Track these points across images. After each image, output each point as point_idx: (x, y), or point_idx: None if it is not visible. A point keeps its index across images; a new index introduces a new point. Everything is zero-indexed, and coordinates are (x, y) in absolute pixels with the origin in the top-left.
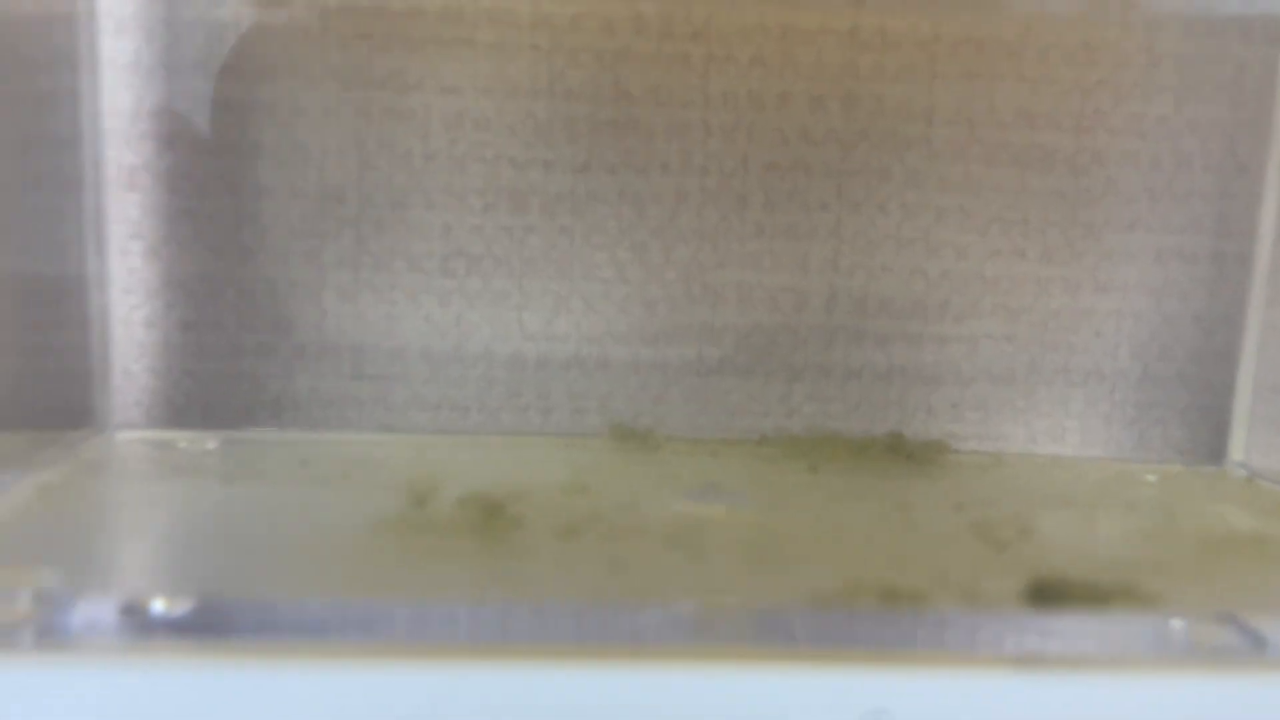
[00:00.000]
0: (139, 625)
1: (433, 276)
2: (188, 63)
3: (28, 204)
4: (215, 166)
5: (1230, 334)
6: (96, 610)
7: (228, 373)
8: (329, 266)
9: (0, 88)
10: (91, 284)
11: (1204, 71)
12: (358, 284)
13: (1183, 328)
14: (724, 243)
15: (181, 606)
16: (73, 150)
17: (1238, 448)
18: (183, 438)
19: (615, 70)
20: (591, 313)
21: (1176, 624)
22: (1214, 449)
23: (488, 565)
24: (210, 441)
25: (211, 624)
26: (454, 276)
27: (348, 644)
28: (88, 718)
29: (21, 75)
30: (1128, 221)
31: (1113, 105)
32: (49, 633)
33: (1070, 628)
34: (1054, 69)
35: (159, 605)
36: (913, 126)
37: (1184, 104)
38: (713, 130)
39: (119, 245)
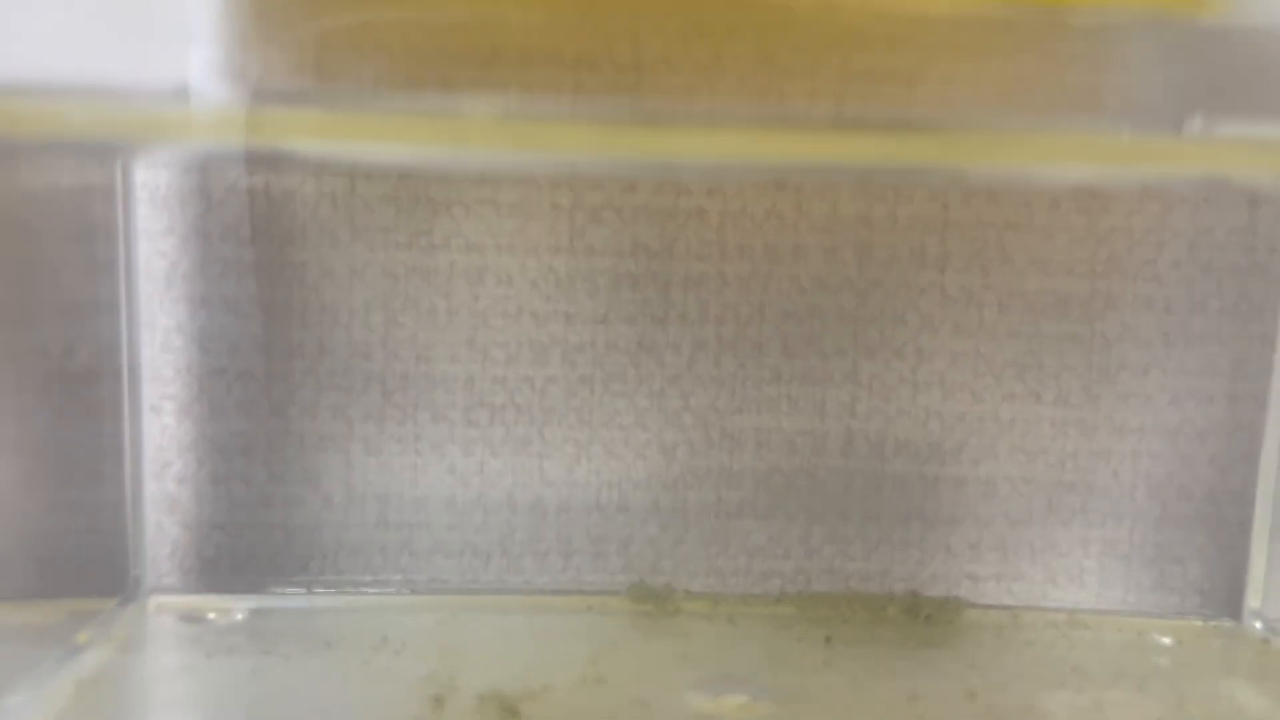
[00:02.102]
0: None
1: (456, 427)
2: (219, 229)
3: (67, 367)
4: (246, 327)
5: (1247, 474)
6: None
7: (257, 524)
8: (356, 420)
9: (44, 255)
10: (126, 442)
11: (1216, 216)
12: (383, 436)
13: (1200, 468)
14: (741, 389)
15: None
16: (110, 314)
17: (1255, 593)
18: (213, 606)
19: (634, 226)
20: (612, 459)
21: None
22: (1232, 589)
23: None
24: (238, 612)
25: None
26: (477, 426)
27: None
28: None
29: (63, 244)
30: (1143, 364)
31: (1126, 251)
32: None
33: None
34: (1066, 216)
35: None
36: (927, 274)
37: (1197, 248)
38: (729, 281)
39: (152, 404)
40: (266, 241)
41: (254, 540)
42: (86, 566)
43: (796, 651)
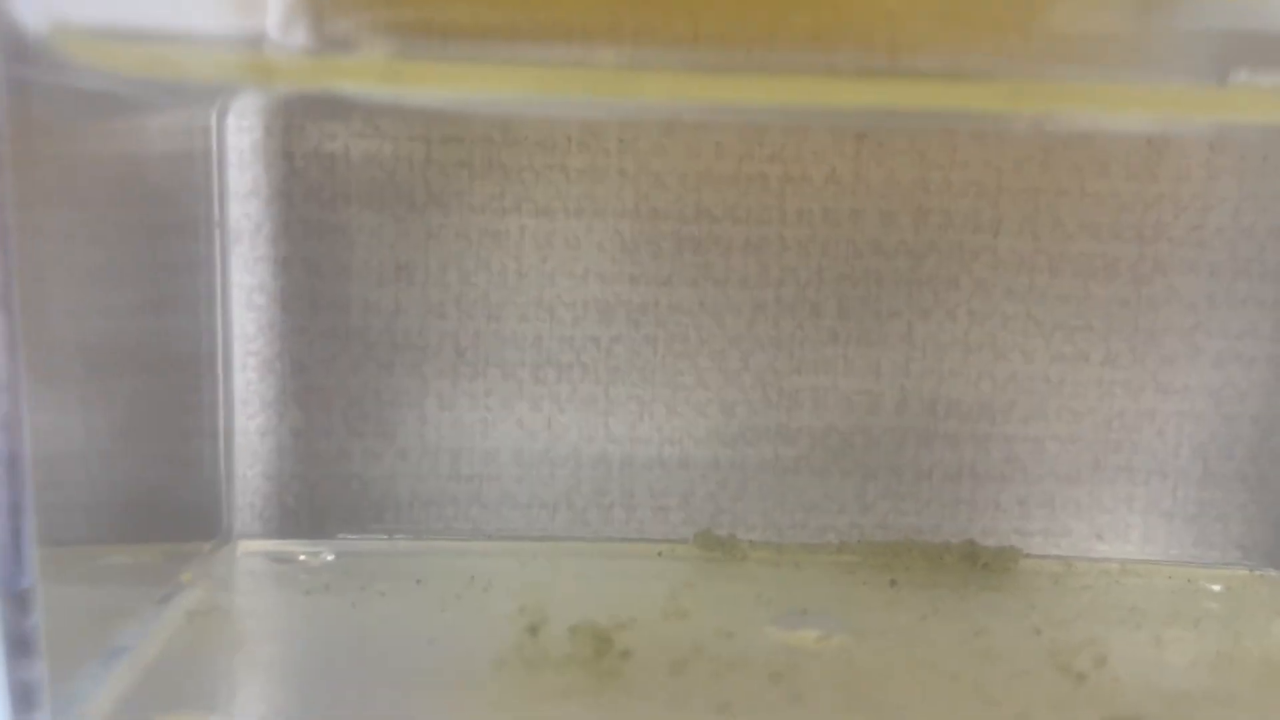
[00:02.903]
0: None
1: (525, 384)
2: (301, 191)
3: (162, 324)
4: (325, 287)
5: None
6: None
7: (335, 476)
8: (430, 376)
9: (140, 217)
10: (218, 396)
11: (1260, 183)
12: (456, 391)
13: (1241, 428)
14: (799, 350)
15: None
16: (208, 273)
17: None
18: (300, 549)
19: (697, 190)
20: (674, 416)
21: None
22: (1274, 545)
23: (608, 706)
24: (327, 553)
25: None
26: (545, 383)
27: None
28: None
29: (158, 205)
30: (1188, 327)
31: (1173, 217)
32: None
33: None
34: (1116, 183)
35: None
36: (980, 238)
37: (1241, 214)
38: (788, 245)
39: (238, 361)
40: (346, 204)
41: (332, 491)
42: (182, 514)
43: (863, 593)
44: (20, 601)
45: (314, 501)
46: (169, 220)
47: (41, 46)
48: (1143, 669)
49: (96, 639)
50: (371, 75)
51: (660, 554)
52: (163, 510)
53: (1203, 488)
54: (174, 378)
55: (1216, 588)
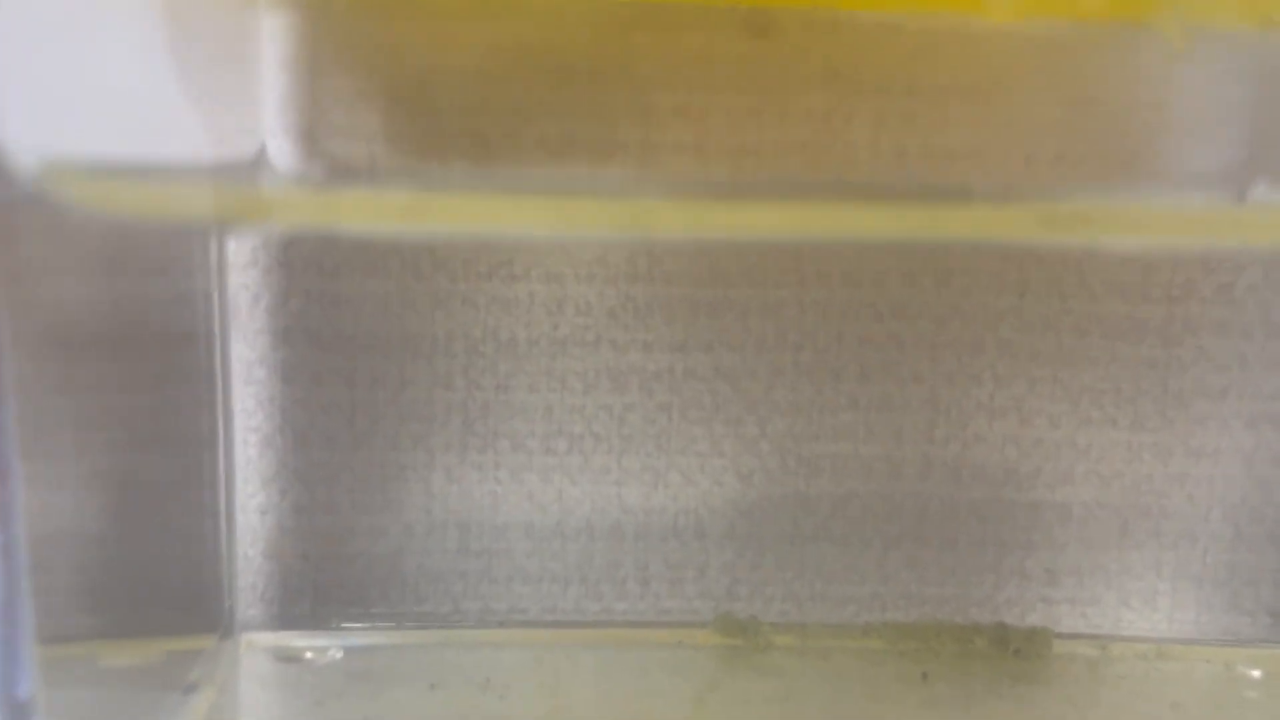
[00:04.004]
0: None
1: (535, 455)
2: (301, 261)
3: (156, 401)
4: (328, 359)
5: None
6: None
7: (340, 554)
8: (437, 449)
9: (136, 284)
10: (219, 474)
11: None
12: (464, 465)
13: (1273, 490)
14: (819, 416)
15: None
16: (207, 346)
17: None
18: (306, 643)
19: (711, 253)
20: (689, 486)
21: None
22: None
23: None
24: (334, 650)
25: None
26: (555, 454)
27: None
28: None
29: (154, 278)
30: (1219, 389)
31: (1203, 276)
32: None
33: None
34: (1146, 242)
35: None
36: (1005, 300)
37: (1273, 272)
38: (807, 308)
39: (238, 437)
40: (349, 273)
41: (337, 569)
42: (184, 602)
43: (895, 691)
44: (20, 714)
45: (318, 581)
46: (166, 293)
47: (32, 186)
48: None
49: None
50: (368, 213)
51: (680, 643)
52: (164, 598)
53: (1234, 551)
54: (174, 457)
55: (1256, 674)
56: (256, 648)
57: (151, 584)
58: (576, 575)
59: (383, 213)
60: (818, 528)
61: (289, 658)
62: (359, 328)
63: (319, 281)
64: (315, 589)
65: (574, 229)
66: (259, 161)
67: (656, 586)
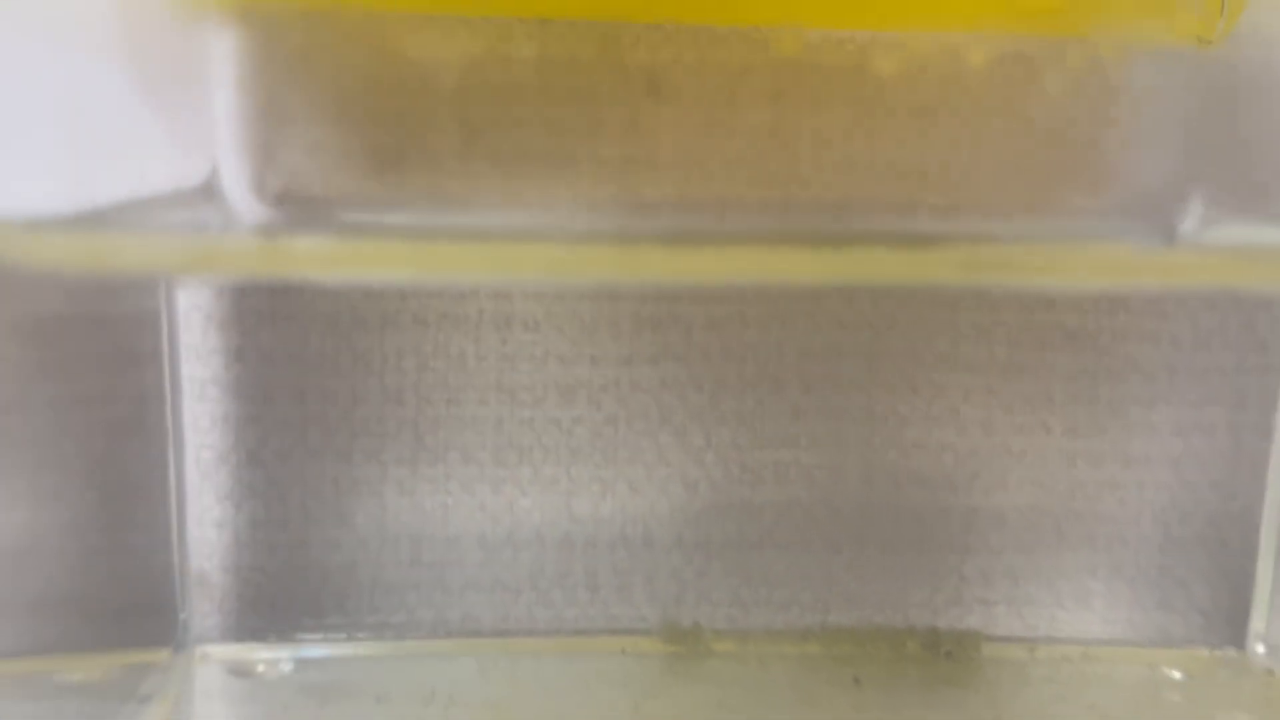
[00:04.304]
0: None
1: (486, 467)
2: (252, 281)
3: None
4: (280, 377)
5: (1249, 500)
6: None
7: (294, 566)
8: (389, 463)
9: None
10: (171, 490)
11: (1220, 251)
12: (416, 478)
13: (1202, 495)
14: (761, 425)
15: None
16: (154, 366)
17: (1259, 616)
18: (259, 656)
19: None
20: (636, 495)
21: None
22: (1234, 611)
23: None
24: (286, 663)
25: None
26: (506, 466)
27: None
28: None
29: (103, 297)
30: (1149, 397)
31: (1133, 287)
32: None
33: None
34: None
35: None
36: (940, 311)
37: (1201, 284)
38: (749, 321)
39: (191, 455)
40: (299, 293)
41: (291, 582)
42: (138, 615)
43: (826, 695)
44: None
45: (274, 593)
46: (110, 310)
47: None
48: None
49: None
50: (318, 262)
51: (624, 651)
52: (118, 612)
53: (1164, 554)
54: (126, 474)
55: (1177, 675)
56: (211, 660)
57: (105, 599)
58: (528, 584)
59: (336, 261)
60: (762, 534)
61: (241, 672)
62: (309, 346)
63: (270, 301)
64: (271, 601)
65: (520, 274)
66: (209, 188)
67: (605, 594)
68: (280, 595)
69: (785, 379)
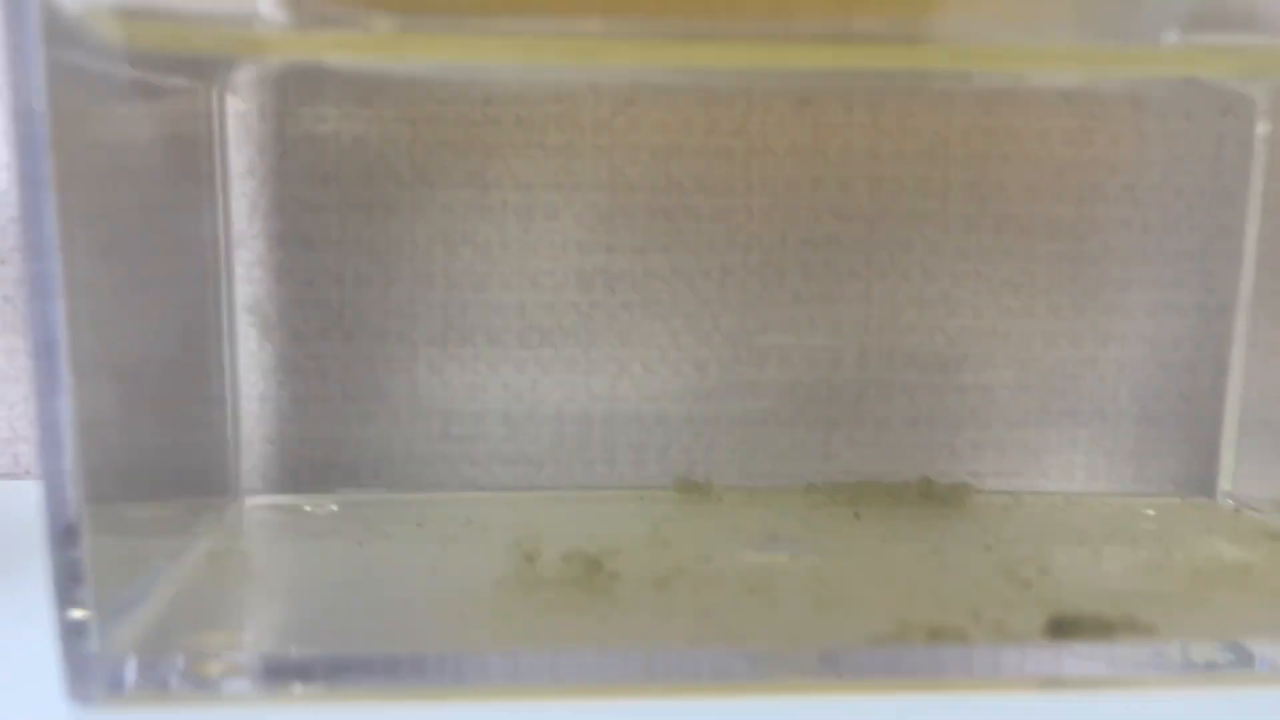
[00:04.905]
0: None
1: (510, 349)
2: (295, 172)
3: (173, 297)
4: (319, 260)
5: (1217, 377)
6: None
7: (332, 439)
8: (420, 343)
9: (155, 193)
10: (226, 366)
11: (1188, 146)
12: (445, 357)
13: (1176, 372)
14: (766, 310)
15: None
16: (213, 249)
17: (1226, 478)
18: (305, 502)
19: (668, 164)
20: (650, 375)
21: (1172, 647)
22: (1205, 480)
23: (599, 616)
24: (331, 504)
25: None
26: (529, 348)
27: (486, 686)
28: None
29: (168, 187)
30: (1124, 280)
31: (1108, 178)
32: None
33: (1085, 655)
34: (1054, 148)
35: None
36: (931, 203)
37: (1171, 175)
38: (754, 213)
39: (240, 332)
40: (337, 183)
41: (329, 453)
42: (196, 475)
43: (829, 523)
44: (68, 536)
45: (313, 464)
46: (178, 201)
47: (75, 27)
48: (1082, 576)
49: (132, 576)
50: (353, 47)
51: (641, 498)
52: (179, 472)
53: (1140, 427)
54: (188, 350)
55: (1151, 512)
56: (261, 508)
57: (169, 460)
58: (549, 457)
59: (365, 47)
60: (767, 411)
61: (290, 511)
62: (346, 232)
63: (311, 191)
64: (312, 470)
65: (537, 63)
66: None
67: (621, 466)
68: (320, 465)
69: (787, 267)
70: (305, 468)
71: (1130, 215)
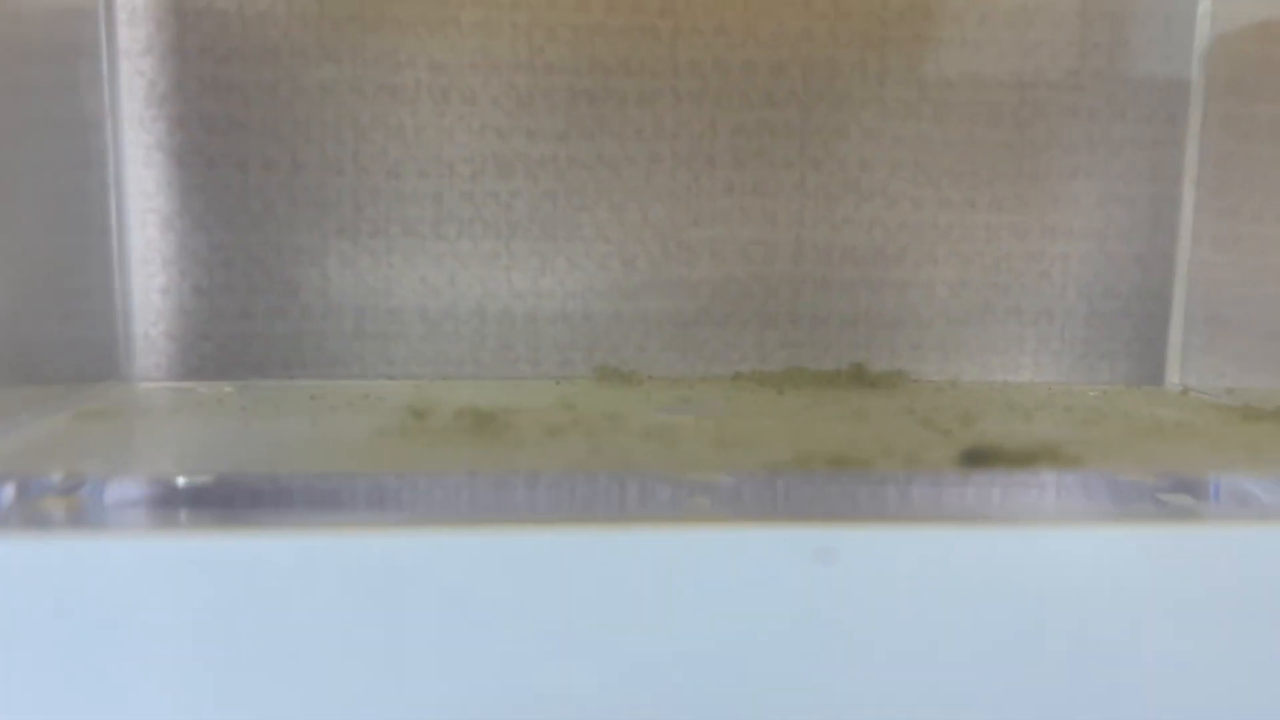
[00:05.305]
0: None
1: (426, 240)
2: (196, 48)
3: (54, 183)
4: (222, 144)
5: (1167, 272)
6: (126, 487)
7: (239, 334)
8: (330, 234)
9: (27, 75)
10: (113, 255)
11: (1134, 28)
12: (357, 249)
13: (1125, 267)
14: (696, 201)
15: (202, 480)
16: (96, 131)
17: (1173, 371)
18: (201, 386)
19: (590, 44)
20: (575, 270)
21: (1090, 478)
22: (1156, 377)
23: (481, 454)
24: (227, 387)
25: (231, 496)
26: (446, 240)
27: (352, 516)
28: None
29: (46, 63)
30: (1070, 170)
31: (1051, 62)
32: (85, 509)
33: (994, 488)
34: (996, 31)
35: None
36: (867, 88)
37: (1117, 59)
38: (682, 97)
39: (137, 219)
40: (240, 60)
41: (237, 349)
42: (82, 364)
43: (751, 398)
44: None
45: (219, 360)
46: (58, 78)
47: None
48: (1008, 429)
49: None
50: None
51: (558, 382)
52: (59, 359)
53: (1089, 326)
54: (72, 238)
55: (1094, 393)
56: (153, 390)
57: (50, 348)
58: (470, 356)
59: None
60: (699, 310)
61: (181, 391)
62: (251, 114)
63: (212, 68)
64: (217, 366)
65: None
66: None
67: (547, 366)
68: (226, 361)
69: (718, 155)
70: (208, 363)
71: (1075, 101)
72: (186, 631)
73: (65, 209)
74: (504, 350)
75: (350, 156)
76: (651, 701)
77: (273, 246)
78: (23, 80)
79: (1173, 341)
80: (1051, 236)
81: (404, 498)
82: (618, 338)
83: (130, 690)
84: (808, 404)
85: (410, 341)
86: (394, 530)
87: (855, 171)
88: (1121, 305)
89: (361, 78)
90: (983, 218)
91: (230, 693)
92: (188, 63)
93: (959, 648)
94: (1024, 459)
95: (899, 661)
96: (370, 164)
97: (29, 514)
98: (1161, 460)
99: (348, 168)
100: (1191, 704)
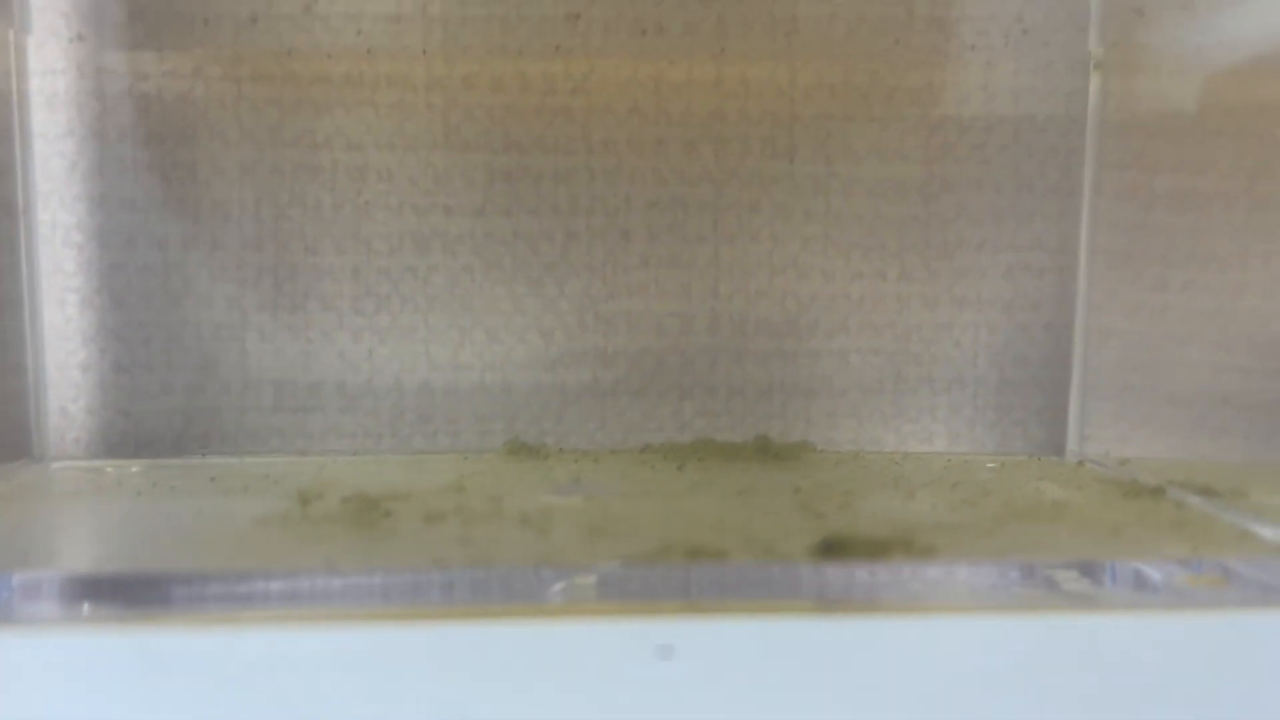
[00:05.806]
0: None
1: (345, 315)
2: (115, 131)
3: None
4: (142, 223)
5: (1069, 338)
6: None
7: (159, 410)
8: (249, 310)
9: None
10: (26, 334)
11: (1035, 103)
12: (276, 325)
13: (1034, 335)
14: (612, 275)
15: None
16: (8, 215)
17: (1074, 438)
18: (111, 465)
19: (505, 123)
20: (493, 343)
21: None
22: (1060, 443)
23: (350, 545)
24: (134, 467)
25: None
26: (364, 314)
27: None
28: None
29: None
30: (978, 241)
31: (957, 137)
32: None
33: (850, 578)
34: (901, 107)
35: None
36: (777, 164)
37: (1021, 134)
38: (596, 174)
39: (56, 297)
40: (160, 142)
41: (156, 425)
42: None
43: (649, 474)
44: None
45: (139, 435)
46: None
47: None
48: (884, 512)
49: None
50: None
51: (466, 459)
52: None
53: (1000, 394)
54: None
55: (991, 465)
56: (64, 469)
57: None
58: (389, 430)
59: None
60: (616, 380)
61: (92, 472)
62: (169, 194)
63: (131, 150)
64: (136, 443)
65: None
66: None
67: (466, 438)
68: (145, 435)
69: (633, 230)
70: (128, 440)
71: (981, 175)
72: None
73: None
74: (422, 423)
75: (269, 235)
76: None
77: (192, 324)
78: None
79: (1074, 410)
80: (961, 306)
81: (255, 594)
82: (536, 409)
83: None
84: (701, 481)
85: (329, 415)
86: (243, 625)
87: (768, 245)
88: (1032, 373)
89: (280, 158)
90: (893, 288)
91: None
92: (108, 144)
93: None
94: (877, 550)
95: None
96: (289, 241)
97: None
98: (1021, 548)
99: (267, 245)
100: None
